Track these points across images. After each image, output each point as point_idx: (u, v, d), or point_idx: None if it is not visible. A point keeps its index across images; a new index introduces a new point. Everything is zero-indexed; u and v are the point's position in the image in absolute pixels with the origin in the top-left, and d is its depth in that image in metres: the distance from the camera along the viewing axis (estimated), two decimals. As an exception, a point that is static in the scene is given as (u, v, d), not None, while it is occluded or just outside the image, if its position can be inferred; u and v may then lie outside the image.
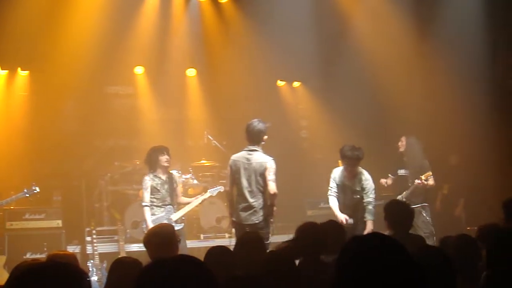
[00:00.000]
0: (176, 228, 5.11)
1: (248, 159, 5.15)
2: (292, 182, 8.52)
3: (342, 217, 5.60)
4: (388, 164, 7.22)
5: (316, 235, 3.52)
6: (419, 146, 6.75)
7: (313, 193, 8.17)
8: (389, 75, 8.12)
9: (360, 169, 5.73)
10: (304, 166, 9.07)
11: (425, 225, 6.48)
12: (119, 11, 7.44)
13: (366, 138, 7.43)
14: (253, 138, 5.14)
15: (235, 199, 5.28)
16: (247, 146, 5.23)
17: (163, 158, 6.15)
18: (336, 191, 5.84)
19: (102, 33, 7.39)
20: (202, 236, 7.69)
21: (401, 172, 6.85)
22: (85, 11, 7.36)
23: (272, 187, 5.01)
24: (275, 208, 5.16)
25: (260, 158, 5.09)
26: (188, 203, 6.15)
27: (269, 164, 5.06)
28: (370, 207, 5.59)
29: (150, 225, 5.44)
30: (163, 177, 6.00)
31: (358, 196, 5.67)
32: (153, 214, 5.76)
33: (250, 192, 5.13)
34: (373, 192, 5.66)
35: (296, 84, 9.90)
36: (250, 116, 8.32)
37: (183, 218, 6.19)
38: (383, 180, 6.75)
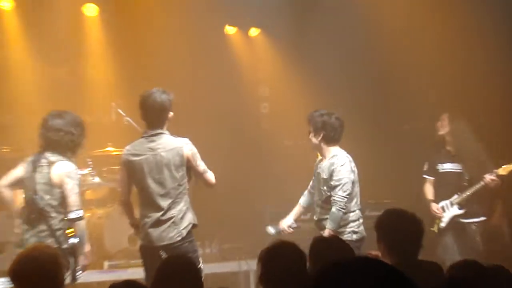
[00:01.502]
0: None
1: (152, 149, 5.04)
2: (246, 183, 8.76)
3: (284, 224, 5.93)
4: (402, 158, 7.47)
5: (290, 266, 3.48)
6: (469, 128, 6.61)
7: (279, 199, 7.93)
8: (396, 29, 8.11)
9: (335, 149, 5.70)
10: (264, 158, 9.16)
11: (472, 250, 6.29)
12: None
13: (362, 119, 7.77)
14: (154, 117, 5.09)
15: (139, 212, 5.14)
16: (145, 131, 5.13)
17: None
18: (311, 184, 5.98)
19: None
20: (106, 264, 7.71)
21: (446, 167, 6.68)
22: None
23: (211, 179, 5.13)
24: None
25: (171, 143, 5.06)
26: None
27: (188, 147, 5.05)
28: (334, 209, 5.47)
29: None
30: None
31: (326, 189, 5.64)
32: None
33: (164, 196, 5.04)
34: (345, 186, 5.51)
35: (253, 31, 9.91)
36: (179, 80, 8.27)
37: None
38: (434, 206, 6.66)
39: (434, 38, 8.17)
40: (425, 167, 6.78)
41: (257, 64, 9.95)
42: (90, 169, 8.12)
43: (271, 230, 6.00)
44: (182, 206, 5.09)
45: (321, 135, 5.65)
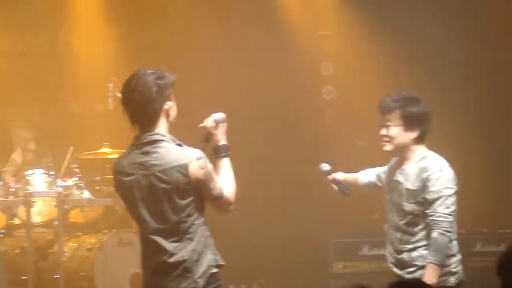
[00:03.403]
0: None
1: (143, 165, 4.79)
2: (300, 201, 9.00)
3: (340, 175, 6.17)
4: None
5: None
6: None
7: (347, 223, 8.43)
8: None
9: (423, 150, 5.61)
10: (328, 162, 8.58)
11: None
12: None
13: (457, 114, 8.40)
14: (136, 114, 4.80)
15: (145, 249, 5.03)
16: (135, 136, 4.84)
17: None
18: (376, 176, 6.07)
19: None
20: None
21: None
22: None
23: (226, 205, 4.86)
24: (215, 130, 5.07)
25: (173, 157, 4.79)
26: None
27: (196, 164, 4.75)
28: (435, 233, 5.35)
29: None
30: None
31: (413, 205, 5.47)
32: None
33: (166, 233, 4.83)
34: (449, 199, 5.36)
35: None
36: (204, 56, 9.21)
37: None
38: None
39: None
40: None
41: (317, 32, 10.08)
42: (77, 179, 8.20)
43: (325, 166, 6.13)
44: (195, 244, 4.85)
45: (417, 131, 5.55)
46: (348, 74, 9.85)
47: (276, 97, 9.48)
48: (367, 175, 6.13)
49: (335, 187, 6.01)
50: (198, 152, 4.82)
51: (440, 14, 9.29)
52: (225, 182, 4.95)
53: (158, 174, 4.75)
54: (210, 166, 4.85)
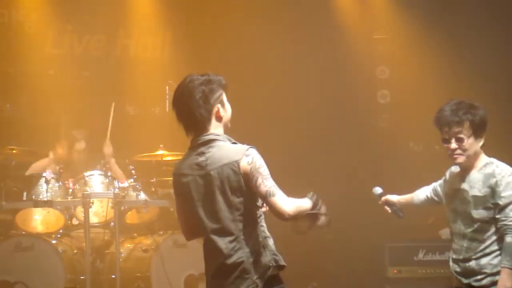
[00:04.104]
0: None
1: (200, 166, 4.82)
2: (355, 206, 8.97)
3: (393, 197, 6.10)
4: None
5: None
6: None
7: (401, 229, 8.15)
8: None
9: (486, 157, 5.55)
10: (382, 170, 9.34)
11: None
12: None
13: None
14: (195, 117, 4.80)
15: (206, 250, 5.01)
16: (192, 140, 4.87)
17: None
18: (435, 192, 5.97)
19: None
20: None
21: None
22: None
23: (282, 207, 4.70)
24: (320, 217, 4.99)
25: (225, 154, 4.80)
26: None
27: (247, 159, 4.74)
28: (509, 237, 5.28)
29: None
30: None
31: (482, 211, 5.47)
32: None
33: (221, 233, 4.85)
34: None
35: None
36: (256, 60, 9.19)
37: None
38: None
39: None
40: None
41: (373, 33, 10.20)
42: (133, 180, 8.40)
43: (377, 190, 6.10)
44: (252, 244, 4.88)
45: (483, 139, 5.52)
46: (404, 78, 9.88)
47: (331, 100, 9.47)
48: (423, 192, 6.06)
49: (389, 209, 6.01)
50: (249, 148, 4.82)
51: (500, 19, 9.16)
52: (289, 199, 4.83)
53: (212, 172, 4.77)
54: (260, 162, 4.81)
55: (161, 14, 9.67)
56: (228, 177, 4.77)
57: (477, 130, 5.46)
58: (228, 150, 4.81)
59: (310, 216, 5.01)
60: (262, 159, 4.81)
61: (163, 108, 8.42)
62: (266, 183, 4.74)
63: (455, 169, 5.73)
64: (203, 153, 4.82)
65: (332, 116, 9.63)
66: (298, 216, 4.87)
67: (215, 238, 4.85)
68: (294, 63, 9.46)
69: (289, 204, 4.77)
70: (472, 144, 5.47)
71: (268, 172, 4.79)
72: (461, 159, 5.53)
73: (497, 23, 9.20)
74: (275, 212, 4.77)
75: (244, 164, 4.73)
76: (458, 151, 5.48)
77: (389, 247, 8.75)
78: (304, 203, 4.91)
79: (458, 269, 5.52)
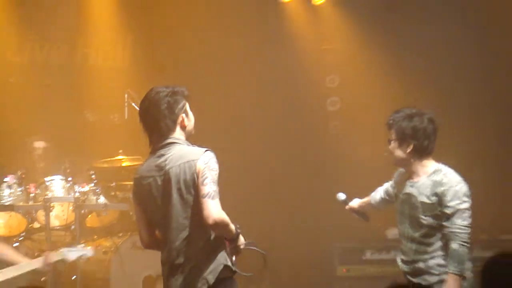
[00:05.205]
0: None
1: (159, 167, 5.06)
2: (305, 207, 9.06)
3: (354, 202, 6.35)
4: None
5: None
6: None
7: (351, 230, 8.31)
8: None
9: (432, 163, 5.74)
10: (332, 173, 9.34)
11: None
12: None
13: (461, 122, 8.43)
14: (161, 127, 5.09)
15: (162, 254, 5.21)
16: (152, 147, 5.17)
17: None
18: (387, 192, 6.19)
19: None
20: None
21: None
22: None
23: (211, 210, 4.89)
24: (240, 247, 5.14)
25: (184, 154, 5.04)
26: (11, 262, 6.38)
27: (202, 161, 4.97)
28: (454, 244, 5.50)
29: None
30: None
31: (429, 218, 5.62)
32: None
33: (175, 231, 5.05)
34: (466, 212, 5.54)
35: None
36: (213, 67, 9.21)
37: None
38: None
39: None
40: None
41: (322, 44, 10.20)
42: (93, 185, 8.28)
43: (341, 196, 6.31)
44: (204, 242, 5.07)
45: (411, 146, 5.65)
46: (353, 86, 9.89)
47: (283, 108, 9.57)
48: (378, 194, 6.23)
49: (355, 215, 6.22)
50: (207, 152, 5.02)
51: (444, 26, 9.26)
52: (221, 210, 4.92)
53: (170, 171, 4.97)
54: (214, 166, 4.99)
55: (121, 23, 9.66)
56: (184, 174, 4.95)
57: (400, 137, 5.62)
58: (186, 151, 5.01)
59: (232, 248, 5.15)
60: (217, 164, 4.99)
61: (122, 115, 8.45)
62: (211, 185, 4.89)
63: (400, 173, 5.91)
64: (162, 155, 5.02)
65: (284, 122, 9.68)
66: (220, 228, 4.96)
67: (171, 235, 5.02)
68: (249, 73, 9.49)
69: (218, 213, 4.88)
70: (395, 149, 5.65)
71: (216, 179, 4.95)
72: (390, 159, 5.76)
73: (437, 30, 9.27)
74: (204, 212, 4.88)
75: (200, 164, 4.91)
76: (390, 153, 5.75)
77: (338, 247, 8.84)
78: (231, 226, 4.99)
79: (407, 269, 5.72)
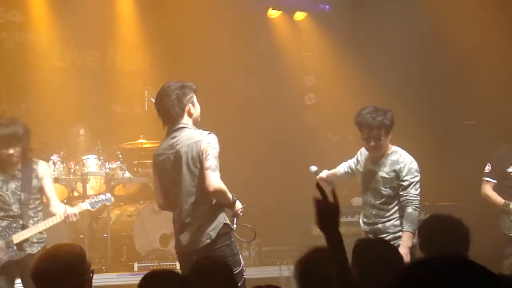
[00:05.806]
0: (15, 257, 6.05)
1: (172, 146, 5.34)
2: (287, 181, 9.40)
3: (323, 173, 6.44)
4: (464, 160, 8.27)
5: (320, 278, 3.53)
6: None
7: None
8: (461, 22, 9.03)
9: (393, 147, 6.10)
10: (308, 154, 9.34)
11: None
12: None
13: (418, 116, 8.37)
14: (171, 113, 5.36)
15: (173, 215, 5.51)
16: (167, 131, 5.50)
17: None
18: (348, 170, 6.44)
19: None
20: (136, 266, 8.20)
21: None
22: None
23: (211, 180, 5.11)
24: (239, 211, 5.35)
25: (192, 136, 5.29)
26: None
27: (206, 141, 5.20)
28: (409, 209, 5.87)
29: None
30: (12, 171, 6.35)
31: (388, 190, 6.01)
32: None
33: (185, 197, 5.30)
34: (418, 184, 5.95)
35: (299, 15, 10.81)
36: (215, 68, 9.21)
37: (39, 240, 6.38)
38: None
39: (502, 32, 9.04)
40: (488, 169, 7.45)
41: (302, 51, 10.75)
42: (120, 162, 8.84)
43: (313, 168, 6.56)
44: (207, 206, 5.31)
45: (390, 135, 6.07)
46: (326, 85, 10.47)
47: (268, 103, 9.92)
48: (342, 168, 6.52)
49: (324, 183, 6.07)
50: (207, 133, 5.24)
51: (403, 33, 9.42)
52: (220, 181, 5.15)
53: (181, 149, 5.23)
54: (216, 146, 5.20)
55: (142, 34, 10.06)
56: (191, 152, 5.19)
57: (389, 130, 5.98)
58: (194, 134, 5.25)
59: (232, 213, 5.35)
60: (218, 144, 5.22)
61: (143, 108, 8.92)
62: (213, 160, 5.13)
63: (363, 152, 6.25)
64: (175, 137, 5.26)
65: (270, 113, 9.93)
66: (219, 195, 5.20)
67: (180, 200, 5.27)
68: (243, 74, 9.83)
69: (218, 183, 5.12)
70: (385, 140, 5.99)
71: (217, 156, 5.17)
72: (377, 153, 6.03)
73: (398, 39, 9.45)
74: (206, 182, 5.12)
75: (204, 143, 5.15)
76: (376, 147, 5.99)
77: (313, 212, 8.67)
78: (229, 194, 5.22)
79: (367, 230, 6.14)
